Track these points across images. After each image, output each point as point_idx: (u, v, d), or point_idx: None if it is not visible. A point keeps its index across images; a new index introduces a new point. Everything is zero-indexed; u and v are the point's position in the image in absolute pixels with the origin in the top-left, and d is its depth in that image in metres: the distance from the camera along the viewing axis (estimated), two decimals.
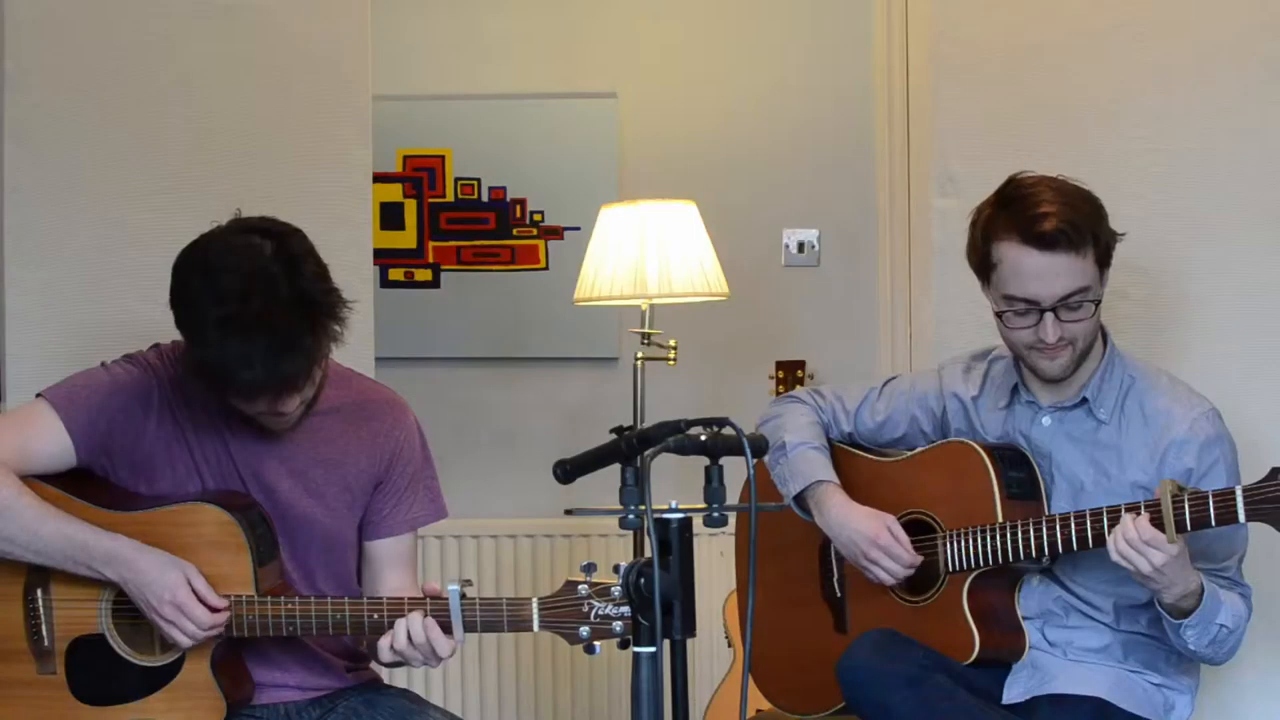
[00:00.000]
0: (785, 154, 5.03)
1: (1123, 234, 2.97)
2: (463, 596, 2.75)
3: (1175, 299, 3.47)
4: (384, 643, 2.78)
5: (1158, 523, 2.77)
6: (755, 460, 2.29)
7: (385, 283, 4.97)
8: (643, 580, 2.24)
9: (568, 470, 2.42)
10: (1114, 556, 2.81)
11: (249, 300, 2.64)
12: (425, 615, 2.76)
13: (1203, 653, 2.92)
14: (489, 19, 5.07)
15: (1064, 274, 2.88)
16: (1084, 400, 3.01)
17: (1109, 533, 2.81)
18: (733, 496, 2.33)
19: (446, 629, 2.76)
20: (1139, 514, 2.79)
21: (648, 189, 4.65)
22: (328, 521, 2.93)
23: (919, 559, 3.06)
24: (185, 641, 2.76)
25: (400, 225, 5.03)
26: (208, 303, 2.67)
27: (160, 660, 2.82)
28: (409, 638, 2.76)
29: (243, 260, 2.68)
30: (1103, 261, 2.93)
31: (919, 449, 3.18)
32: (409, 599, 2.81)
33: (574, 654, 4.00)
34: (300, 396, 2.76)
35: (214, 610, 2.76)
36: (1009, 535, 2.94)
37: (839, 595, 3.24)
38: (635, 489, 2.29)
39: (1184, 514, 2.75)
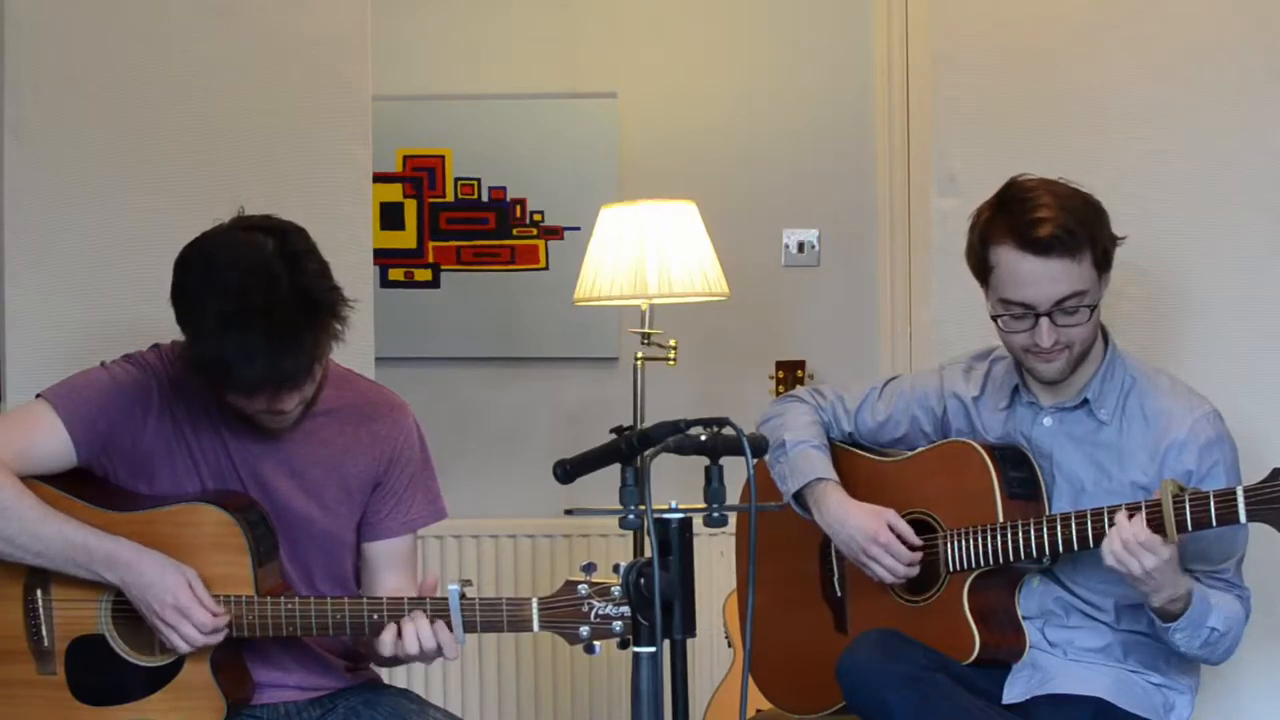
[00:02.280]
0: (785, 154, 5.03)
1: (1123, 238, 2.97)
2: (462, 597, 2.74)
3: (1175, 299, 3.47)
4: (387, 637, 2.78)
5: (1156, 524, 2.78)
6: (755, 460, 2.29)
7: (385, 283, 4.97)
8: (643, 580, 2.24)
9: (568, 470, 2.42)
10: (1109, 560, 2.81)
11: (249, 297, 2.64)
12: (434, 620, 2.76)
13: (1195, 654, 2.93)
14: (489, 19, 5.07)
15: (1059, 279, 2.88)
16: (1085, 401, 3.01)
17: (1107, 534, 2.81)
18: (733, 496, 2.33)
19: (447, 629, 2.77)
20: (1136, 515, 2.80)
21: (648, 189, 4.65)
22: (326, 522, 2.93)
23: (919, 555, 3.06)
24: (184, 646, 2.75)
25: (400, 225, 5.03)
26: (208, 298, 2.67)
27: (160, 660, 2.82)
28: (419, 642, 2.76)
29: (244, 257, 2.68)
30: (1101, 266, 2.93)
31: (920, 449, 3.18)
32: (409, 599, 2.81)
33: (574, 654, 4.00)
34: (300, 395, 2.75)
35: (213, 616, 2.76)
36: (1010, 535, 2.94)
37: (839, 595, 3.24)
38: (635, 489, 2.29)
39: (1185, 514, 2.75)
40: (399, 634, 2.77)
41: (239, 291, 2.65)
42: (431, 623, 2.76)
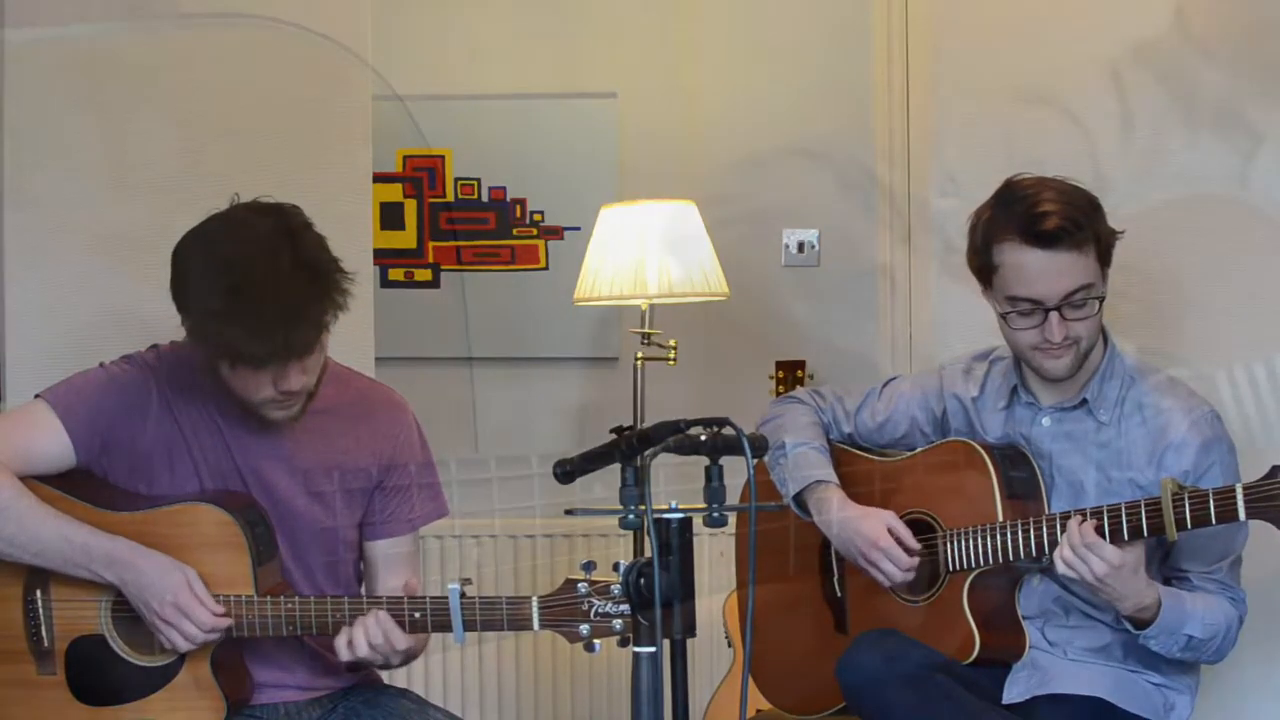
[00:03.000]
0: (785, 154, 5.03)
1: (1121, 231, 2.97)
2: (462, 596, 2.75)
3: (1175, 299, 3.47)
4: (340, 643, 2.77)
5: (1156, 524, 2.78)
6: (755, 460, 2.29)
7: (385, 283, 4.97)
8: (643, 580, 2.24)
9: (568, 470, 2.42)
10: (1060, 568, 2.83)
11: (253, 270, 2.65)
12: (377, 611, 2.76)
13: (1178, 658, 2.94)
14: (489, 19, 5.07)
15: (1067, 272, 2.88)
16: (1084, 401, 3.01)
17: (1108, 533, 2.81)
18: (733, 496, 2.33)
19: (445, 628, 2.76)
20: (1085, 521, 2.81)
21: (648, 189, 4.65)
22: (327, 521, 2.93)
23: (917, 560, 3.06)
24: (184, 645, 2.75)
25: (400, 225, 5.03)
26: (211, 277, 2.67)
27: (160, 660, 2.82)
28: (367, 639, 2.76)
29: (244, 234, 2.69)
30: (1104, 259, 2.93)
31: (919, 449, 3.18)
32: (409, 599, 2.81)
33: (574, 654, 4.00)
34: (305, 374, 2.75)
35: (213, 614, 2.76)
36: (1010, 535, 2.94)
37: (839, 595, 3.24)
38: (635, 489, 2.29)
39: (1184, 512, 2.76)
40: (349, 641, 2.77)
41: (243, 266, 2.65)
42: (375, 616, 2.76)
